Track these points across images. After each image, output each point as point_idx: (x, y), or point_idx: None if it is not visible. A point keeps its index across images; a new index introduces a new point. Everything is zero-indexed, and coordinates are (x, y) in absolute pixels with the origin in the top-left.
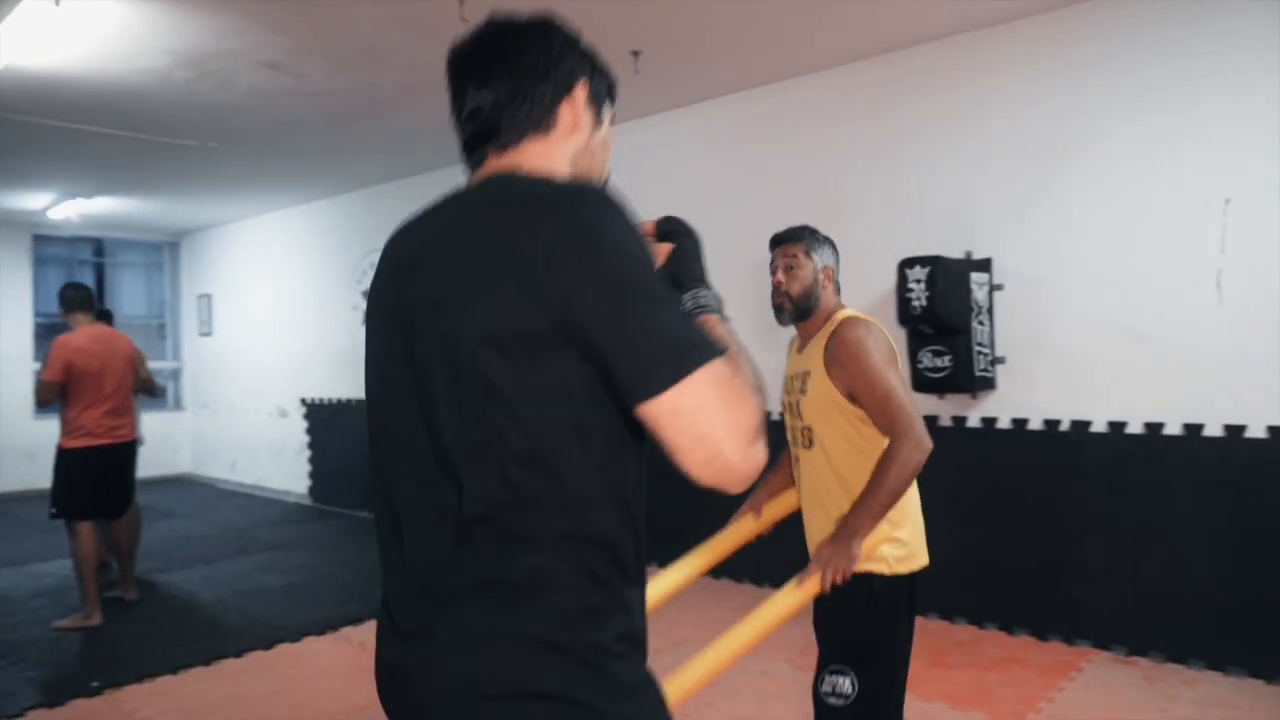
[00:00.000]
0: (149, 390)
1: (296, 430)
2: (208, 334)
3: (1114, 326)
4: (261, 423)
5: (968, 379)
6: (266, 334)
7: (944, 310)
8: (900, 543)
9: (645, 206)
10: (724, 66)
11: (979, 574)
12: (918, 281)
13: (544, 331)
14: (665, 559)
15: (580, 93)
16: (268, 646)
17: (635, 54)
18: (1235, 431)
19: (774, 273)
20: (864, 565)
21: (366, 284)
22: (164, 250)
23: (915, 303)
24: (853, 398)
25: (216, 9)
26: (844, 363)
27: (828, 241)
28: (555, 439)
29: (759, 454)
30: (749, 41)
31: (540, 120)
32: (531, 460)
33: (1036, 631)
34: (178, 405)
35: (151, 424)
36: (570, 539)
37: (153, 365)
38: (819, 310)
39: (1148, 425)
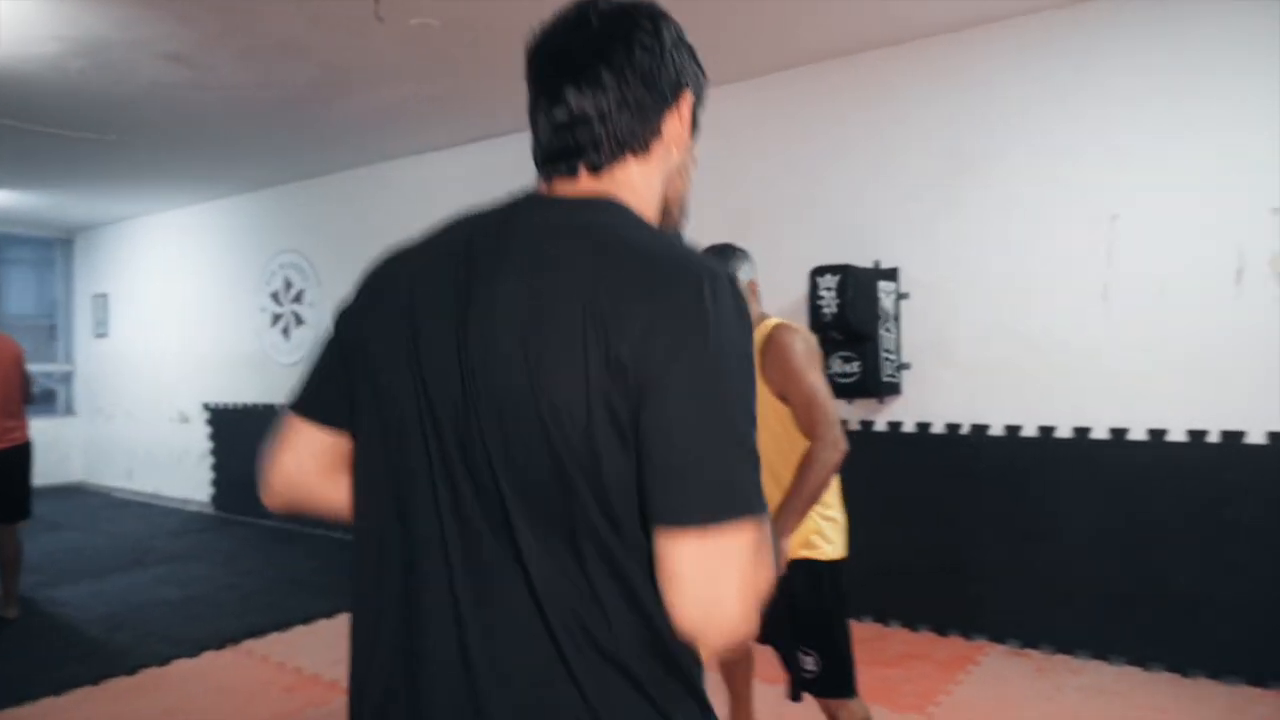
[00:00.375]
0: (25, 394)
1: (198, 436)
2: (103, 335)
3: (1010, 334)
4: (161, 428)
5: (875, 384)
6: (167, 335)
7: (853, 317)
8: (839, 528)
9: None
10: None
11: (884, 573)
12: (828, 289)
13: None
14: None
15: (686, 103)
16: (163, 663)
17: None
18: (1119, 434)
19: None
20: (805, 553)
21: (275, 286)
22: (56, 247)
23: (826, 310)
24: (783, 398)
25: None
26: (778, 365)
27: (746, 255)
28: None
29: (755, 623)
30: None
31: (646, 138)
32: None
33: (938, 627)
34: (69, 410)
35: (40, 430)
36: None
37: (43, 368)
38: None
39: (1041, 429)
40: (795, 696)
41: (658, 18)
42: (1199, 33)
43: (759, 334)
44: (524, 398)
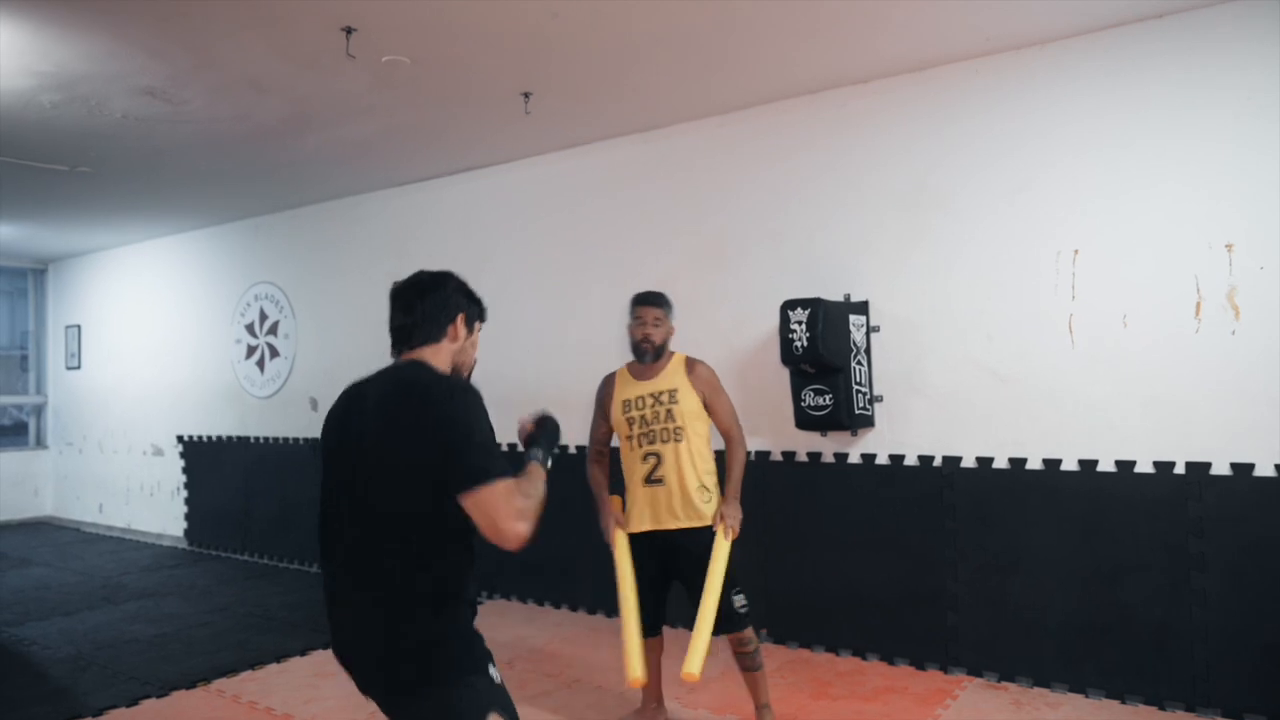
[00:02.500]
0: None
1: (172, 469)
2: (75, 367)
3: (980, 367)
4: (134, 461)
5: (848, 417)
6: (141, 367)
7: (824, 350)
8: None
9: (538, 241)
10: (613, 110)
11: (861, 606)
12: (799, 323)
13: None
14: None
15: (460, 319)
16: (131, 703)
17: (526, 95)
18: (1088, 466)
19: (641, 325)
20: (711, 519)
21: (250, 318)
22: (29, 277)
23: (797, 343)
24: (705, 408)
25: (87, 31)
26: (708, 384)
27: (670, 301)
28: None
29: (528, 530)
30: (637, 87)
31: (437, 336)
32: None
33: (915, 661)
34: (39, 443)
35: (8, 463)
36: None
37: (14, 400)
38: (665, 352)
39: (1011, 460)
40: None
41: (446, 280)
42: (1154, 76)
43: (676, 360)
44: (382, 455)
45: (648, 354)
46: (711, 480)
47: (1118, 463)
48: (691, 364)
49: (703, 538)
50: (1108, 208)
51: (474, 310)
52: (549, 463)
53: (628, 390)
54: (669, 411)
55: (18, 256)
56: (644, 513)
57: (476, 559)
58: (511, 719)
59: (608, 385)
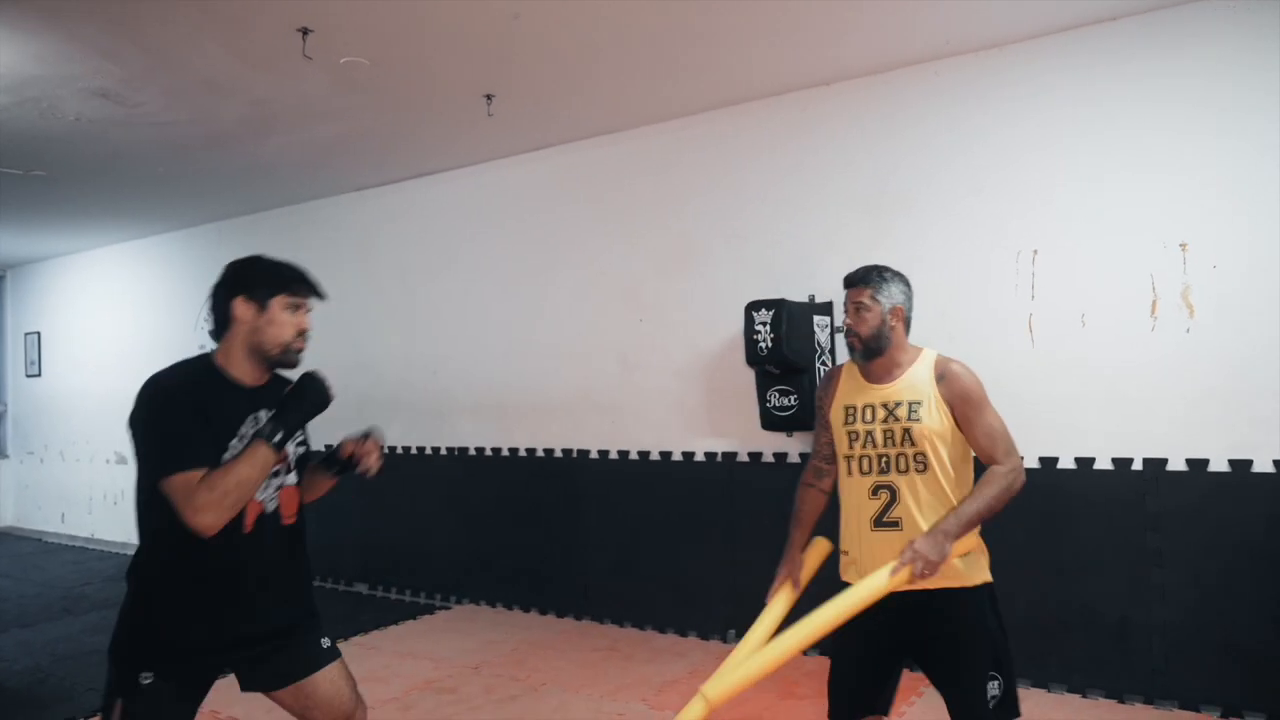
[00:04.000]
0: None
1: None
2: (35, 375)
3: None
4: (97, 470)
5: (812, 416)
6: (104, 375)
7: (788, 351)
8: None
9: (503, 244)
10: (575, 113)
11: (820, 602)
12: (763, 324)
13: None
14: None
15: (237, 301)
16: (89, 716)
17: (488, 97)
18: (1049, 463)
19: (845, 313)
20: (978, 579)
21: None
22: None
23: (761, 344)
24: (959, 427)
25: (36, 31)
26: (961, 394)
27: (898, 278)
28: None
29: (209, 520)
30: (600, 89)
31: (223, 325)
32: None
33: None
34: (0, 452)
35: None
36: None
37: None
38: (890, 347)
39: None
40: None
41: (226, 270)
42: (1110, 77)
43: (922, 362)
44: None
45: (854, 350)
46: None
47: (1077, 460)
48: (944, 367)
49: (958, 606)
50: (1066, 208)
51: (261, 289)
52: (277, 436)
53: (853, 394)
54: (906, 432)
55: None
56: (867, 563)
57: (211, 546)
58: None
59: (830, 382)
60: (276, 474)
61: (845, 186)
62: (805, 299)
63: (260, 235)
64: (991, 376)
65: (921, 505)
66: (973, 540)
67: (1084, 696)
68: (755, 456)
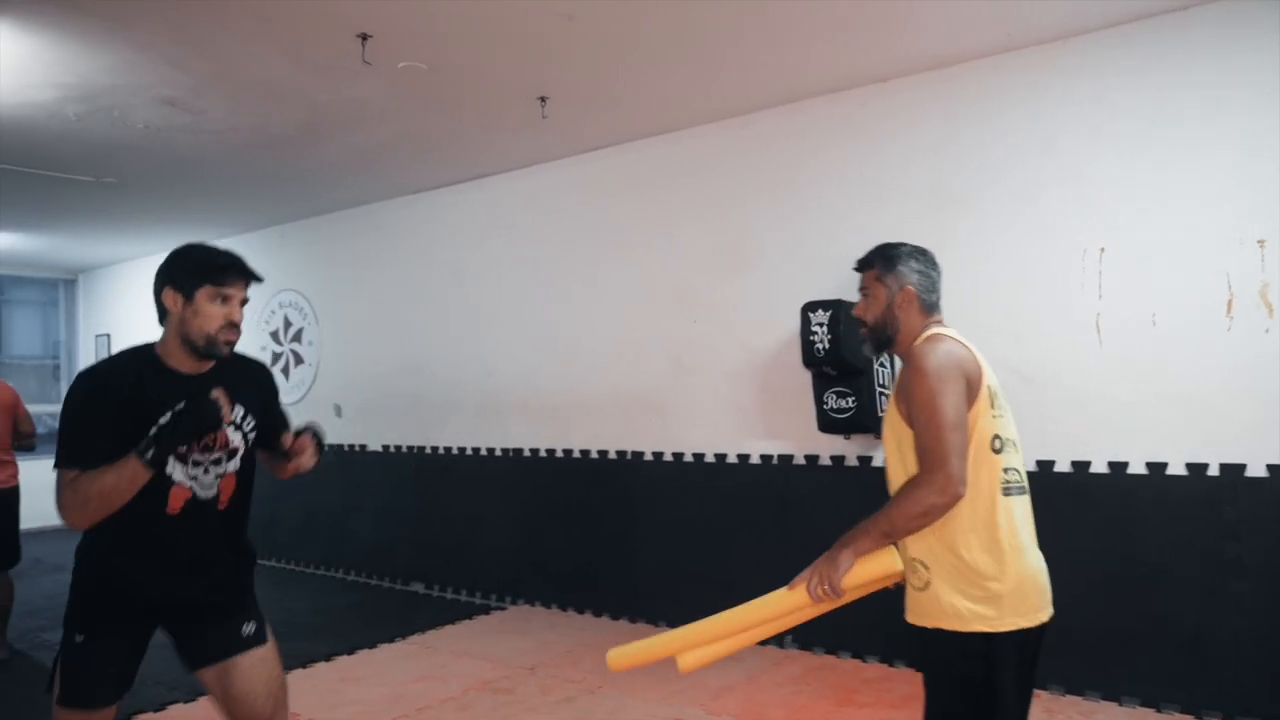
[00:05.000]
0: (25, 442)
1: None
2: None
3: (1005, 368)
4: None
5: (872, 419)
6: None
7: (846, 353)
8: (984, 598)
9: (556, 245)
10: (629, 113)
11: (889, 612)
12: (820, 325)
13: None
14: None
15: (166, 292)
16: (158, 709)
17: (542, 99)
18: (1118, 468)
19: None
20: (933, 621)
21: (275, 325)
22: (60, 287)
23: (818, 345)
24: (910, 423)
25: (109, 44)
26: (904, 382)
27: (912, 256)
28: None
29: (73, 519)
30: (654, 89)
31: (161, 317)
32: None
33: None
34: None
35: (42, 471)
36: None
37: (46, 408)
38: (901, 335)
39: (1039, 463)
40: None
41: (163, 262)
42: (1179, 68)
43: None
44: None
45: (864, 341)
46: (933, 552)
47: (1149, 464)
48: (912, 350)
49: (924, 648)
50: (1135, 204)
51: (185, 280)
52: (148, 454)
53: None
54: (888, 428)
55: (48, 267)
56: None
57: (136, 526)
58: (69, 684)
59: (971, 352)
60: (219, 461)
61: (904, 184)
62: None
63: (317, 238)
64: (1057, 377)
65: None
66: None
67: (1158, 710)
68: (811, 459)
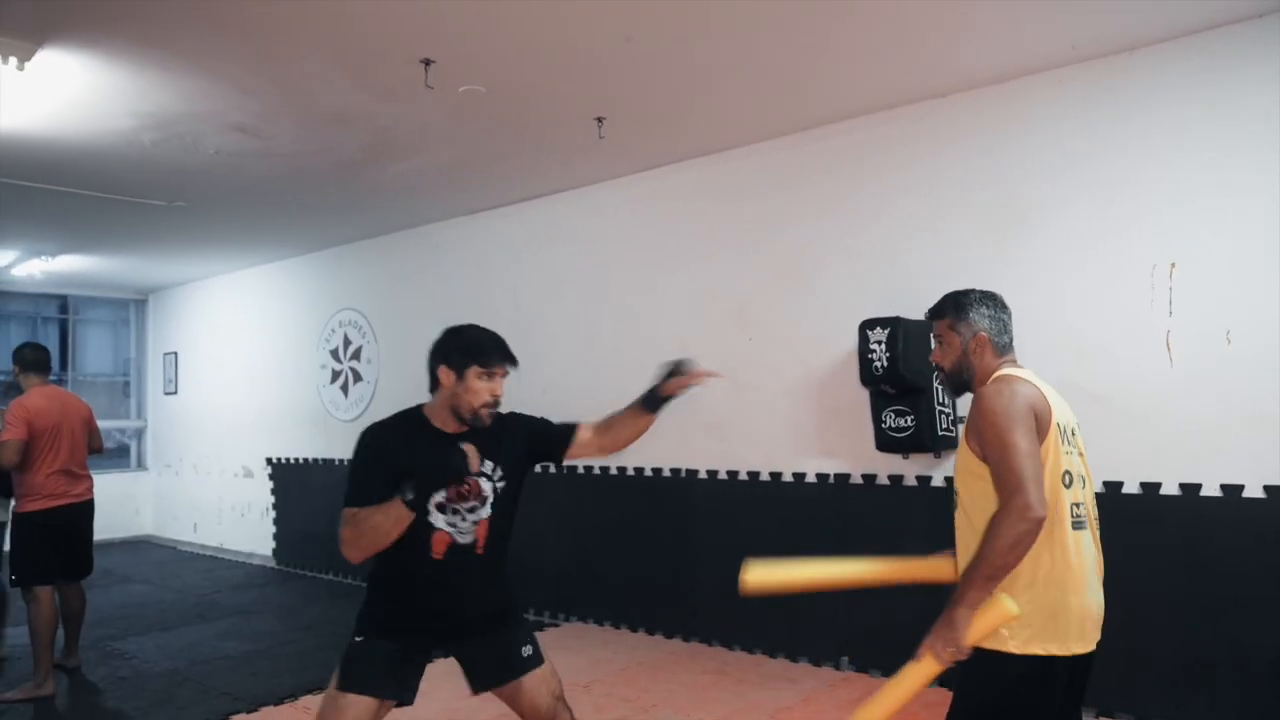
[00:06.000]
0: (94, 448)
1: (261, 491)
2: (172, 392)
3: (1071, 387)
4: (225, 483)
5: (931, 438)
6: (232, 392)
7: (905, 370)
8: (1048, 622)
9: (613, 264)
10: (686, 132)
11: None
12: (879, 343)
13: None
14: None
15: (441, 369)
16: (222, 719)
17: (599, 120)
18: (1191, 490)
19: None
20: (1009, 645)
21: (335, 343)
22: (130, 307)
23: (876, 363)
24: (984, 459)
25: (184, 73)
26: (974, 422)
27: (981, 302)
28: None
29: (350, 553)
30: (710, 108)
31: (432, 386)
32: None
33: None
34: (140, 465)
35: (112, 484)
36: None
37: (117, 424)
38: (977, 378)
39: (1106, 484)
40: None
41: (438, 340)
42: (1254, 76)
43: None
44: None
45: (944, 386)
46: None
47: (1223, 486)
48: (982, 389)
49: (968, 666)
50: (1206, 218)
51: (458, 360)
52: (408, 496)
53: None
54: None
55: (120, 288)
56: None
57: (408, 566)
58: (345, 672)
59: (1040, 391)
60: (474, 509)
61: (965, 200)
62: (922, 317)
63: (377, 258)
64: (1124, 396)
65: (963, 549)
66: (1018, 604)
67: None
68: (869, 479)
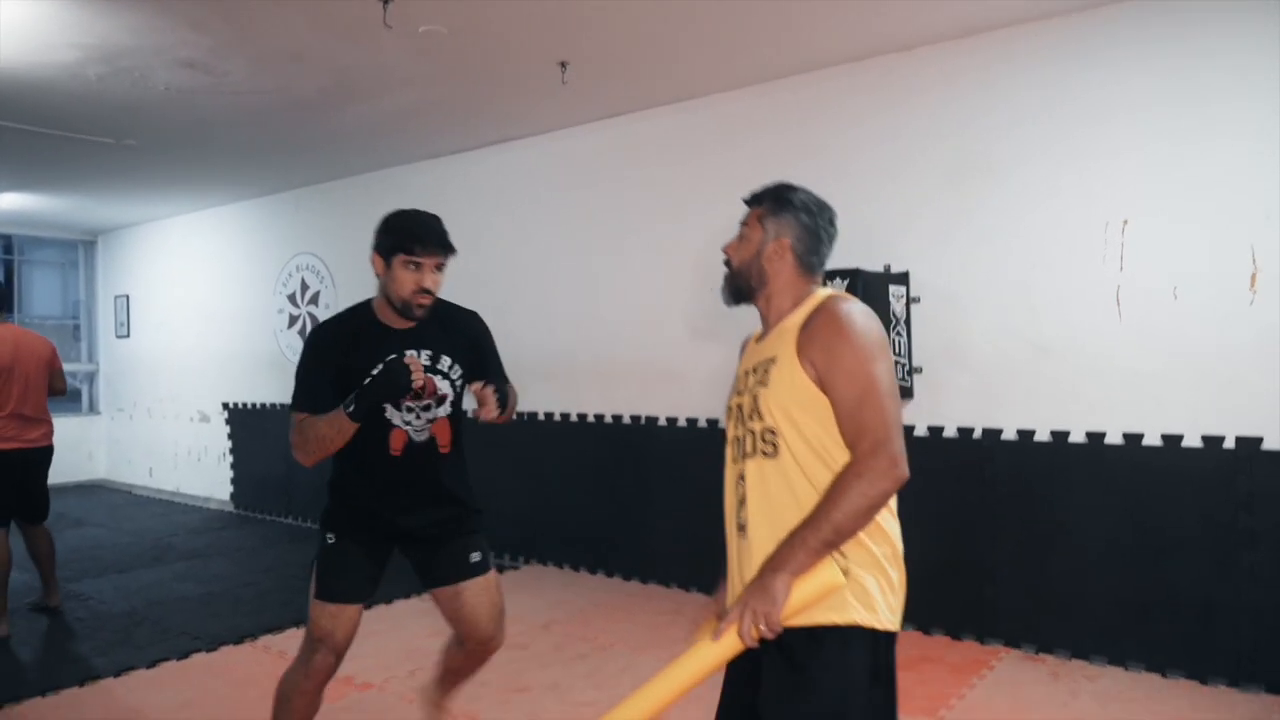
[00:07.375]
0: (55, 390)
1: (218, 435)
2: (125, 336)
3: (1023, 339)
4: (181, 427)
5: None
6: (187, 336)
7: None
8: (887, 588)
9: (576, 211)
10: (649, 80)
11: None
12: None
13: None
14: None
15: (374, 257)
16: (182, 656)
17: (562, 65)
18: (1134, 440)
19: None
20: (849, 616)
21: (292, 288)
22: (79, 249)
23: None
24: (824, 388)
25: (129, 5)
26: (824, 341)
27: (807, 208)
28: None
29: (300, 457)
30: (675, 56)
31: (377, 273)
32: None
33: (951, 631)
34: (92, 409)
35: (65, 428)
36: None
37: (68, 367)
38: (764, 290)
39: (1054, 434)
40: None
41: (377, 226)
42: (1208, 37)
43: (805, 306)
44: None
45: (724, 291)
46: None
47: (1164, 437)
48: (823, 306)
49: (797, 650)
50: (1159, 176)
51: (385, 247)
52: (350, 408)
53: (748, 355)
54: (755, 401)
55: (68, 228)
56: (732, 585)
57: (366, 462)
58: (326, 581)
59: (744, 345)
60: (428, 408)
61: (925, 154)
62: (881, 268)
63: (335, 202)
64: (1074, 349)
65: (770, 504)
66: (846, 572)
67: (1164, 676)
68: None
